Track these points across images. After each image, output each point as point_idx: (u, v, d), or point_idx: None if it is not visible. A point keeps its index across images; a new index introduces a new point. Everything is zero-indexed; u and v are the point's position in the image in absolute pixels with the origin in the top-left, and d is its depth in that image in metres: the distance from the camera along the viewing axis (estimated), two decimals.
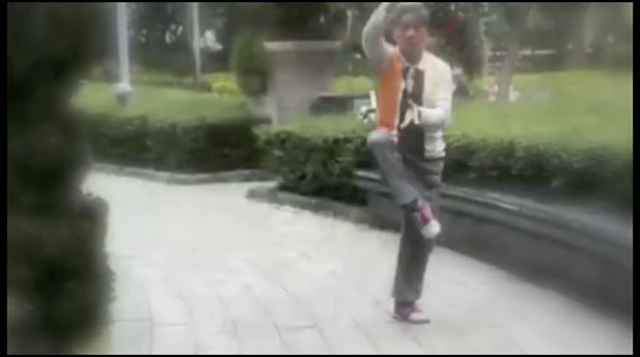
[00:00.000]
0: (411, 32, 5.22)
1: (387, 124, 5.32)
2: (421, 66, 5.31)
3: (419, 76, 5.29)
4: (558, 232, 5.94)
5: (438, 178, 5.44)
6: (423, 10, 5.37)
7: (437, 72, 5.34)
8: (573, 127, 6.67)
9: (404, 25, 5.24)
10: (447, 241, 7.29)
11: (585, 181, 6.03)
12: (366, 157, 8.89)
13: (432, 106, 5.25)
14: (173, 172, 12.99)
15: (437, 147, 5.38)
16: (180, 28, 31.80)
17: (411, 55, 5.31)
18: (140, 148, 13.63)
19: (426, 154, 5.33)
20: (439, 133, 5.40)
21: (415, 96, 5.25)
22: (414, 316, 5.43)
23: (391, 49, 5.32)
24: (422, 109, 5.18)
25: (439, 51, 11.06)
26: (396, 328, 5.32)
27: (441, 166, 5.44)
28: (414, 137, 5.26)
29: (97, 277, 4.33)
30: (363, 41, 5.26)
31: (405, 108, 5.24)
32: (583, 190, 6.02)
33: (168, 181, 12.90)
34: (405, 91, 5.26)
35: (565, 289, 5.85)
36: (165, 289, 6.46)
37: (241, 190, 11.38)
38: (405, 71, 5.29)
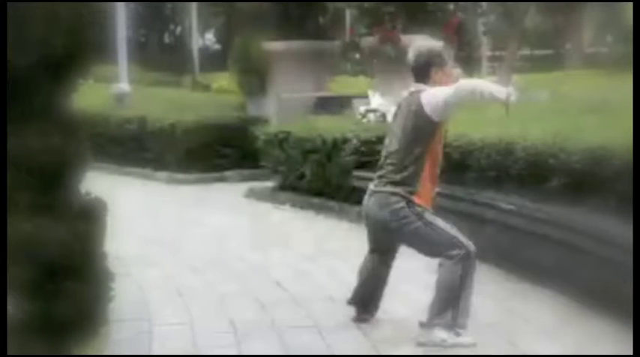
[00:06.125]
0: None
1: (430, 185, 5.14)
2: None
3: None
4: (557, 231, 5.94)
5: None
6: None
7: None
8: (572, 127, 6.66)
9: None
10: None
11: (584, 181, 6.02)
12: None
13: None
14: (172, 171, 13.00)
15: None
16: (179, 28, 31.81)
17: None
18: (139, 147, 13.64)
19: None
20: None
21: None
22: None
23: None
24: None
25: None
26: (396, 329, 5.32)
27: None
28: None
29: (95, 276, 4.34)
30: (474, 93, 4.88)
31: None
32: (582, 190, 6.01)
33: (167, 180, 12.91)
34: None
35: (564, 288, 5.85)
36: (164, 288, 6.45)
37: (240, 189, 11.39)
38: None
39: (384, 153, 5.26)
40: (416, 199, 5.02)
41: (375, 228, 5.26)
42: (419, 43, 5.37)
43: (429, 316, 5.03)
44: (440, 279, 5.00)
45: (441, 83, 5.08)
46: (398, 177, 5.04)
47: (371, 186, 5.25)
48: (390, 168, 5.11)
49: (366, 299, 5.43)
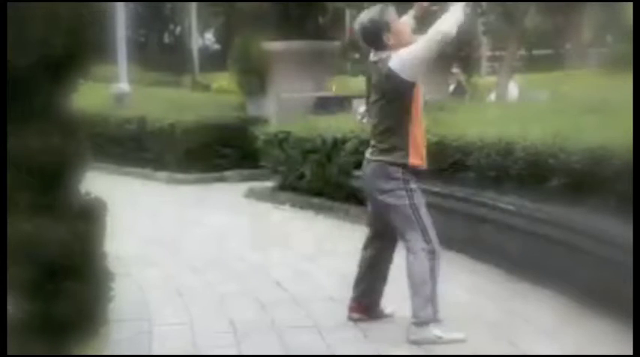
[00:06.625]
0: None
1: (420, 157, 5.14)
2: None
3: None
4: (557, 231, 5.94)
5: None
6: None
7: None
8: (572, 127, 6.66)
9: None
10: (445, 240, 7.30)
11: (584, 181, 6.02)
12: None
13: None
14: (172, 171, 13.01)
15: None
16: (178, 28, 31.84)
17: None
18: (139, 147, 13.64)
19: None
20: None
21: None
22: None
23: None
24: None
25: None
26: (396, 328, 5.31)
27: None
28: None
29: (95, 276, 4.34)
30: (441, 38, 4.91)
31: None
32: (582, 190, 6.01)
33: (166, 180, 12.91)
34: None
35: (564, 288, 5.85)
36: (164, 288, 6.45)
37: (240, 189, 11.39)
38: None
39: (371, 122, 5.30)
40: (411, 160, 5.05)
41: (371, 197, 5.29)
42: (362, 15, 5.33)
43: (414, 311, 5.03)
44: (413, 271, 5.02)
45: (398, 44, 5.07)
46: (386, 145, 5.10)
47: (367, 154, 5.30)
48: (378, 137, 5.16)
49: (366, 294, 5.44)
